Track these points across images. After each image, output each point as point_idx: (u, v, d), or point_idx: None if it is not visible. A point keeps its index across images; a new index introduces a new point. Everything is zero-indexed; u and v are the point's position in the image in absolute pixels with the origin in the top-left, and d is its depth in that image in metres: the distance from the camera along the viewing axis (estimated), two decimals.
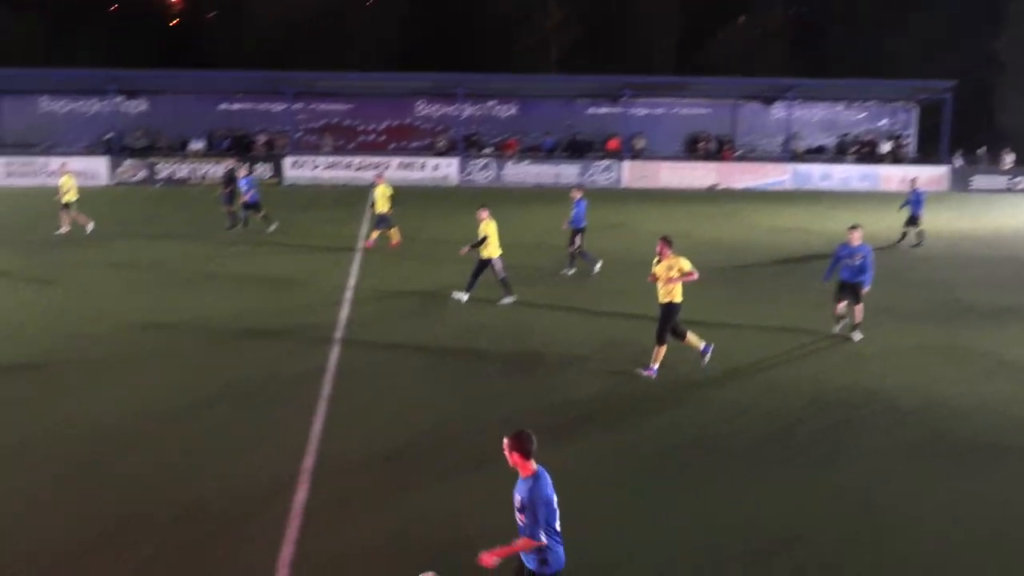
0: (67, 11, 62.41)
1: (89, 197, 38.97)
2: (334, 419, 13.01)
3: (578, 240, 23.41)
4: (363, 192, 39.87)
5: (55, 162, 43.95)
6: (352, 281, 22.16)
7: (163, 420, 12.97)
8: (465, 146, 48.63)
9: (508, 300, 19.95)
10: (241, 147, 47.77)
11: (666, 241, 15.04)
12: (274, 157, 46.69)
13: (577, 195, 23.73)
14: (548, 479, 7.08)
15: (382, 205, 26.66)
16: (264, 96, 49.18)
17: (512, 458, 7.06)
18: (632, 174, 47.05)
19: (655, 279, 15.03)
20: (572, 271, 23.42)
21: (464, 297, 19.91)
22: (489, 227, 19.79)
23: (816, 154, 51.09)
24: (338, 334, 17.44)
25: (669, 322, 15.03)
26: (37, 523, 9.86)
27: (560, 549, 7.14)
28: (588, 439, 12.46)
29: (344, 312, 19.11)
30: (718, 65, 58.63)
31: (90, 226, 29.05)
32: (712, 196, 43.69)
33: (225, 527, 9.82)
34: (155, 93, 49.14)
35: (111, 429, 12.56)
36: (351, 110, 50.08)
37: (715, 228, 32.18)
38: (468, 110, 49.79)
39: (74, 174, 30.12)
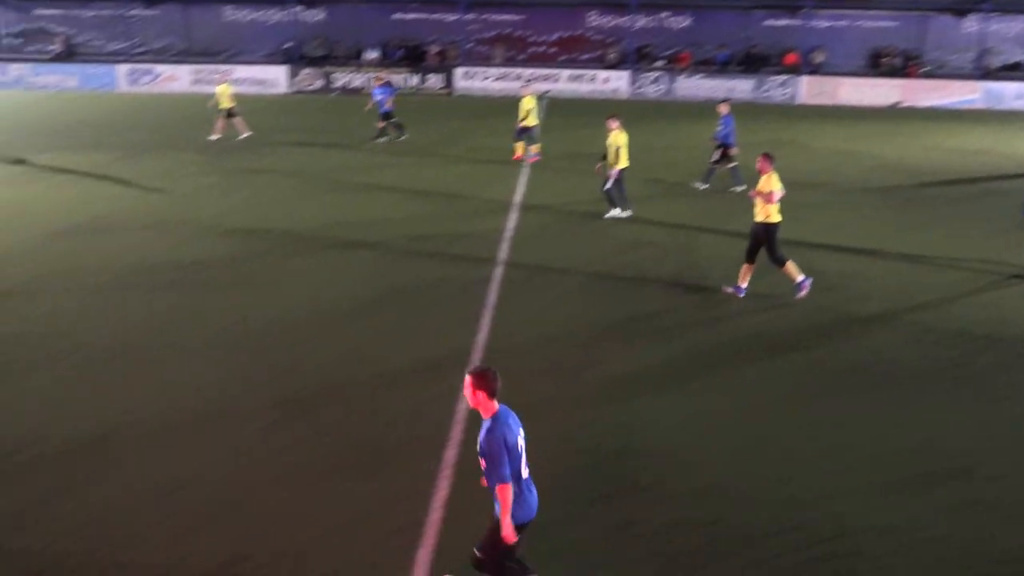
0: None
1: (268, 105, 40.50)
2: (498, 328, 13.26)
3: (716, 155, 22.82)
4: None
5: (239, 70, 45.69)
6: (518, 194, 22.31)
7: (334, 317, 13.57)
8: (636, 59, 47.77)
9: (613, 214, 19.85)
10: (414, 57, 48.38)
11: (767, 157, 14.54)
12: (445, 68, 47.07)
13: (724, 110, 23.05)
14: (511, 421, 6.63)
15: (526, 118, 26.49)
16: (437, 6, 49.44)
17: (475, 398, 6.53)
18: (810, 90, 45.28)
19: (756, 195, 14.62)
20: (705, 186, 22.97)
21: (624, 214, 19.82)
22: (619, 138, 19.52)
23: (1012, 71, 47.85)
24: (503, 245, 17.67)
25: (768, 241, 14.54)
26: (205, 394, 10.54)
27: (529, 497, 6.77)
28: (756, 361, 12.30)
29: (510, 224, 19.32)
30: None
31: (245, 134, 30.26)
32: (894, 115, 41.67)
33: (390, 428, 10.25)
34: (332, 2, 50.08)
35: (284, 324, 13.21)
36: (522, 20, 49.81)
37: (897, 148, 30.75)
38: (640, 21, 48.79)
39: (231, 82, 31.95)
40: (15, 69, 46.22)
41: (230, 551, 7.86)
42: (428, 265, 16.33)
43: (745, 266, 14.72)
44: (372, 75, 31.89)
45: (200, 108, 34.20)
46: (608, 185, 19.62)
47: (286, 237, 18.12)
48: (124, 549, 7.89)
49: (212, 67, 46.04)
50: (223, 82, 30.76)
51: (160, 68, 46.21)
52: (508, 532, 6.54)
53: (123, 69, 46.21)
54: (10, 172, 24.38)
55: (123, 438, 9.85)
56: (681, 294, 14.91)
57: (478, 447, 6.51)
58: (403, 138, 30.02)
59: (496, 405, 6.56)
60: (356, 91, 45.73)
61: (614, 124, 19.63)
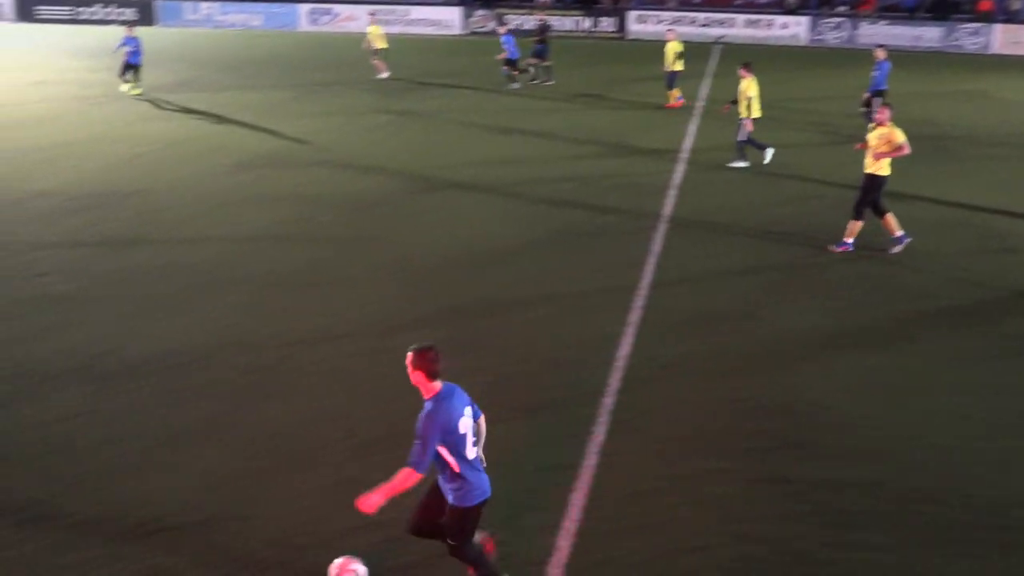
0: None
1: (442, 46, 41.01)
2: (661, 277, 13.27)
3: (872, 103, 21.71)
4: (707, 49, 39.12)
5: (415, 11, 46.40)
6: (687, 142, 22.03)
7: (495, 256, 13.87)
8: (817, 3, 46.00)
9: (738, 164, 19.47)
10: (587, 0, 47.91)
11: (887, 107, 14.06)
12: (618, 11, 46.47)
13: (881, 55, 22.03)
14: (456, 401, 6.24)
15: (672, 62, 26.05)
16: None
17: (414, 377, 6.19)
18: (1004, 39, 42.63)
19: (864, 147, 14.07)
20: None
21: (742, 163, 19.58)
22: (751, 88, 19.04)
23: None
24: (669, 193, 17.58)
25: (871, 195, 14.01)
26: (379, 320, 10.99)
27: (479, 478, 6.36)
28: (927, 324, 11.91)
29: (676, 172, 19.15)
30: None
31: (385, 74, 30.84)
32: None
33: (548, 370, 10.45)
34: None
35: (447, 260, 13.59)
36: None
37: None
38: None
39: (380, 23, 33.38)
40: (205, 7, 48.21)
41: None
42: (590, 211, 16.43)
43: (884, 218, 14.37)
44: (545, 19, 31.92)
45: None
46: (741, 136, 19.32)
47: (451, 176, 18.56)
48: (301, 463, 8.39)
49: (388, 7, 46.85)
50: (373, 23, 31.88)
51: (339, 8, 47.32)
52: (371, 507, 6.11)
53: (304, 8, 47.57)
54: (201, 106, 25.64)
55: (294, 356, 10.43)
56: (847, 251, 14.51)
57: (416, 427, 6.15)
58: (549, 83, 29.97)
59: (438, 385, 6.21)
60: (528, 33, 45.67)
61: (746, 72, 19.22)
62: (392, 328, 11.38)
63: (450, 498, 6.33)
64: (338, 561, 5.98)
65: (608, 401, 9.65)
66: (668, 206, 16.76)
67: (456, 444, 6.16)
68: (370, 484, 6.27)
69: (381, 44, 31.00)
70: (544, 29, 31.31)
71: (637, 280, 13.08)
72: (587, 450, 8.72)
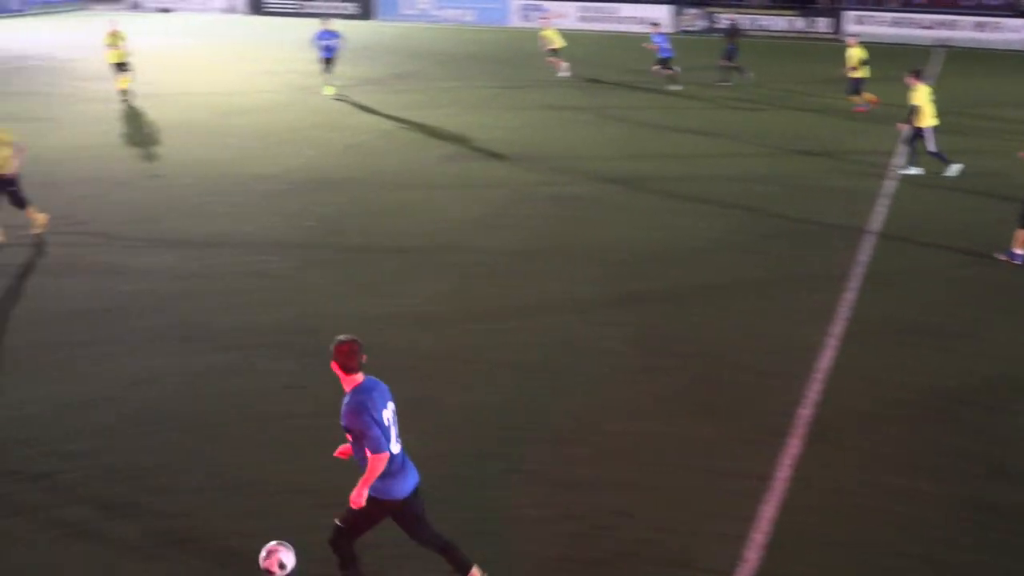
0: None
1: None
2: (868, 289, 12.85)
3: None
4: (928, 54, 37.33)
5: (625, 8, 46.39)
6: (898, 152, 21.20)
7: (689, 256, 13.79)
8: None
9: (953, 169, 18.48)
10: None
11: None
12: (835, 11, 44.90)
13: None
14: (376, 395, 6.20)
15: (857, 68, 24.87)
16: None
17: (334, 368, 6.21)
18: None
19: None
20: None
21: (909, 171, 18.71)
22: (917, 95, 18.19)
23: None
24: (878, 201, 17.03)
25: None
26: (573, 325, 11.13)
27: (402, 471, 6.32)
28: None
29: (888, 181, 18.42)
30: None
31: (565, 73, 30.73)
32: None
33: (746, 375, 10.30)
34: None
35: (641, 254, 13.61)
36: None
37: None
38: None
39: (556, 26, 32.99)
40: (421, 2, 49.73)
41: (584, 475, 8.35)
42: (793, 215, 16.10)
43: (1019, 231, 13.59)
44: (735, 20, 31.47)
45: (582, 46, 35.25)
46: (931, 147, 18.44)
47: (647, 173, 18.64)
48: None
49: (598, 5, 46.98)
50: (547, 27, 31.74)
51: (548, 4, 47.83)
52: (359, 499, 6.21)
53: (516, 4, 48.32)
54: (414, 99, 26.58)
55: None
56: None
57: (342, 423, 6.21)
58: (728, 84, 29.28)
59: (359, 378, 6.22)
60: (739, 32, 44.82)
61: (913, 81, 18.53)
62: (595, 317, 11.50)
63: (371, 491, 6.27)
64: (268, 546, 5.85)
65: (805, 412, 9.42)
66: (877, 216, 16.18)
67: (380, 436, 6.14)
68: None
69: (558, 43, 30.96)
70: (734, 31, 30.68)
71: (842, 290, 12.69)
72: (780, 461, 8.56)
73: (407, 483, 6.35)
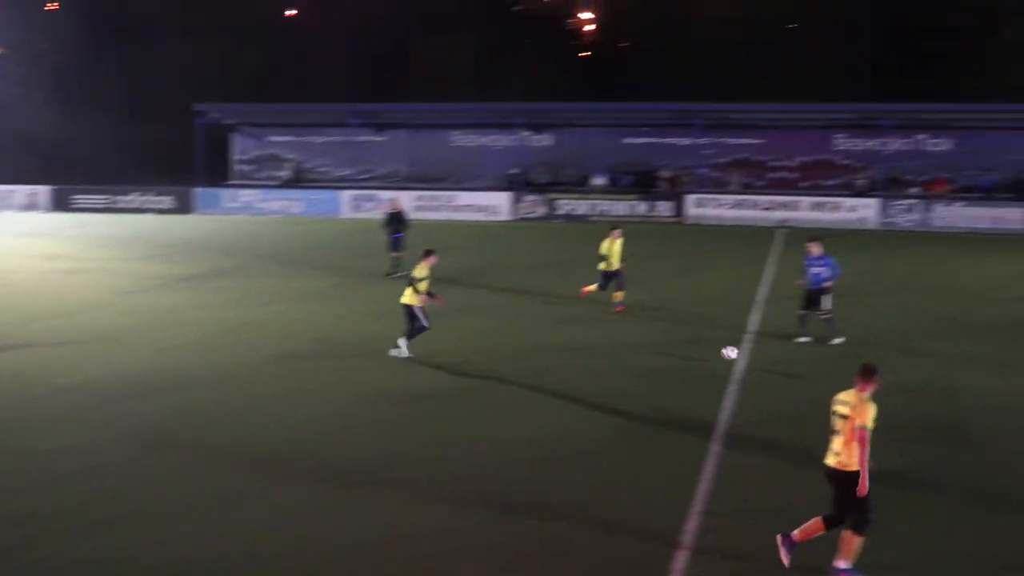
0: (487, 45, 67.91)
1: (490, 230, 41.76)
2: (721, 476, 12.84)
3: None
4: (770, 234, 39.36)
5: (462, 196, 47.61)
6: (753, 324, 21.83)
7: (570, 455, 13.46)
8: (887, 185, 46.44)
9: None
10: (643, 183, 48.80)
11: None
12: (676, 195, 47.12)
13: (816, 250, 20.75)
14: None
15: (608, 260, 23.56)
16: (670, 129, 49.98)
17: None
18: None
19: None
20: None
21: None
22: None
23: None
24: (734, 379, 17.42)
25: None
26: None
27: None
28: None
29: (742, 358, 18.81)
30: None
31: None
32: None
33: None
34: (560, 127, 51.58)
35: (506, 465, 13.15)
36: (762, 144, 49.39)
37: None
38: (894, 144, 47.54)
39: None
40: (245, 195, 49.82)
41: None
42: (651, 392, 16.14)
43: None
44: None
45: (423, 234, 35.55)
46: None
47: (512, 366, 18.48)
48: None
49: (433, 193, 48.01)
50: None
51: (383, 194, 48.58)
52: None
53: (347, 195, 48.93)
54: (240, 294, 26.07)
55: None
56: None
57: None
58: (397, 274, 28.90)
59: None
60: (581, 218, 46.39)
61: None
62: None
63: None
64: None
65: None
66: (734, 390, 16.60)
67: None
68: None
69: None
70: (398, 217, 30.17)
71: (694, 484, 12.56)
72: None
73: None
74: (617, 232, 23.72)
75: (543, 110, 51.26)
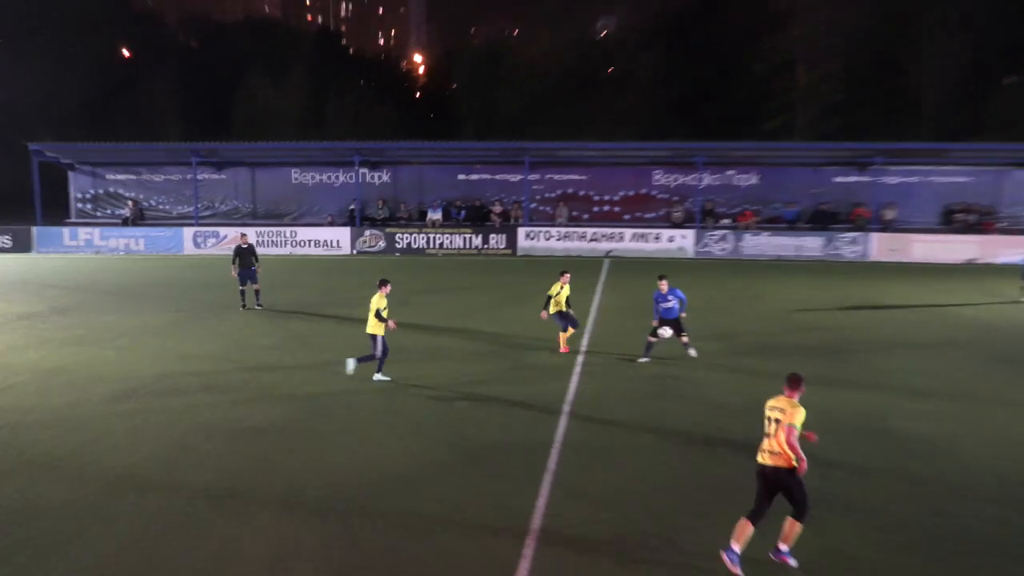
0: (322, 86, 68.10)
1: (332, 265, 41.90)
2: (557, 494, 13.50)
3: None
4: (597, 263, 40.80)
5: (302, 232, 47.63)
6: (582, 354, 22.74)
7: (398, 488, 13.95)
8: (701, 218, 48.77)
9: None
10: (477, 217, 49.90)
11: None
12: (508, 228, 48.38)
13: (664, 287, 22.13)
14: None
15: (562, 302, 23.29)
16: (502, 166, 51.24)
17: None
18: (881, 247, 45.66)
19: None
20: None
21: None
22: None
23: None
24: (566, 406, 18.04)
25: None
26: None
27: None
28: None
29: (573, 383, 19.68)
30: (982, 129, 56.13)
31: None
32: (971, 271, 41.72)
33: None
34: (396, 164, 52.18)
35: (338, 487, 13.61)
36: (587, 180, 51.23)
37: (981, 306, 30.78)
38: (707, 179, 49.95)
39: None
40: (84, 233, 48.57)
41: None
42: (488, 422, 16.75)
43: None
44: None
45: (268, 269, 35.43)
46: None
47: (336, 399, 18.72)
48: None
49: (275, 229, 47.95)
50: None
51: (225, 231, 48.22)
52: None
53: (189, 232, 48.31)
54: (79, 333, 25.49)
55: None
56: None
57: None
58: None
59: None
60: (419, 251, 47.16)
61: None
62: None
63: None
64: None
65: None
66: (566, 417, 17.19)
67: None
68: None
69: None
70: (248, 249, 30.12)
71: (533, 499, 13.29)
72: None
73: None
74: (566, 276, 23.49)
75: (380, 148, 51.77)
